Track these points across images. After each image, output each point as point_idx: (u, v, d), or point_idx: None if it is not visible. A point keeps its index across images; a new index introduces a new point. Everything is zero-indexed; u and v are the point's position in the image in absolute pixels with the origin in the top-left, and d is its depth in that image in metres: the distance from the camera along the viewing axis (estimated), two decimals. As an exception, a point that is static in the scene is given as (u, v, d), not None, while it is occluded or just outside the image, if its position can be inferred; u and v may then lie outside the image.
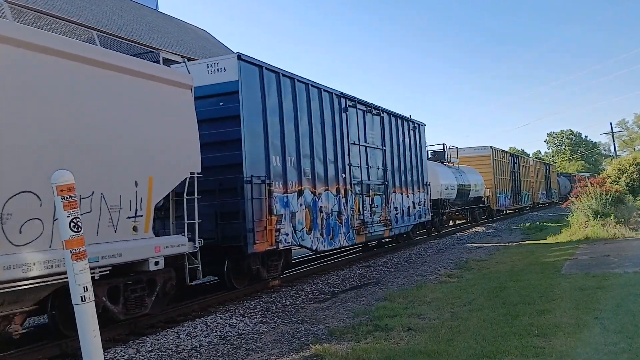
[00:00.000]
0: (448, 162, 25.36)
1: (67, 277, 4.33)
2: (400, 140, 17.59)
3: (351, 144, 14.15)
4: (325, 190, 12.55)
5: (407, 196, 17.77)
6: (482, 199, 28.07)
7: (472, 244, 18.56)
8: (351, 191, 13.85)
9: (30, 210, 5.81)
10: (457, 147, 26.94)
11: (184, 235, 8.10)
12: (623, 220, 18.02)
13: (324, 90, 12.97)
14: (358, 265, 14.11)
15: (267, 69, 10.77)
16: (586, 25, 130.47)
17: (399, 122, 17.65)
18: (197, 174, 8.40)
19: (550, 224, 25.30)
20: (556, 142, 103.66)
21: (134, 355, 6.53)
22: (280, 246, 10.55)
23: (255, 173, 10.01)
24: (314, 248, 11.90)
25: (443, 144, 24.95)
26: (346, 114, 13.99)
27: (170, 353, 6.63)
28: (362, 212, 14.31)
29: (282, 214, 10.66)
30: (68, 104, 6.41)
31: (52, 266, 5.89)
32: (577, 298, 7.82)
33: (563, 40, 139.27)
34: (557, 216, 30.77)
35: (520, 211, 38.21)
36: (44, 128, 6.08)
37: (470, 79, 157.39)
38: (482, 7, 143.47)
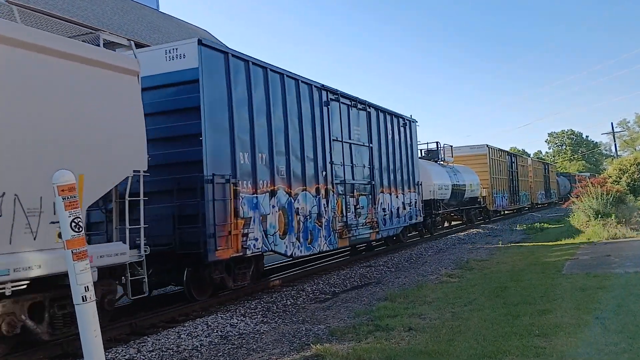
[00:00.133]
0: (442, 161, 24.32)
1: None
2: (389, 137, 16.54)
3: (333, 140, 13.12)
4: (302, 191, 11.52)
5: (397, 196, 16.73)
6: (478, 200, 27.00)
7: (473, 244, 18.24)
8: (333, 191, 12.82)
9: None
10: (451, 146, 25.88)
11: (127, 243, 7.07)
12: (624, 220, 17.93)
13: (302, 82, 11.93)
14: (359, 265, 13.95)
15: (234, 56, 9.73)
16: (587, 25, 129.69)
17: (388, 118, 16.60)
18: (143, 172, 7.38)
19: (550, 225, 24.66)
20: (557, 142, 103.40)
21: (135, 355, 6.49)
22: (248, 252, 9.52)
23: (218, 171, 8.98)
24: (289, 254, 10.87)
25: (437, 142, 23.92)
26: (328, 108, 12.95)
27: (171, 353, 6.59)
28: (345, 214, 13.27)
29: (250, 217, 9.63)
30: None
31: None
32: (578, 298, 7.77)
33: (564, 41, 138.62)
34: (557, 217, 30.32)
35: (518, 212, 37.18)
36: None
37: (471, 79, 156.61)
38: (482, 8, 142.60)
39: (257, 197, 9.89)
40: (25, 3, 14.52)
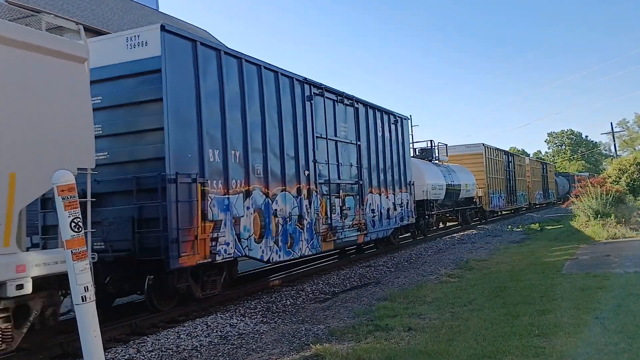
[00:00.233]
0: (437, 161, 23.57)
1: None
2: (379, 134, 15.75)
3: (317, 137, 12.34)
4: (282, 191, 10.73)
5: (387, 197, 15.95)
6: (474, 200, 26.20)
7: (472, 244, 18.08)
8: (316, 191, 12.04)
9: None
10: (446, 145, 25.10)
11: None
12: (623, 220, 17.95)
13: (282, 75, 11.14)
14: (358, 265, 13.89)
15: (203, 44, 8.95)
16: (586, 25, 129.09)
17: (378, 114, 15.81)
18: (91, 170, 6.59)
19: (549, 226, 24.15)
20: (556, 142, 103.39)
21: (134, 355, 6.47)
22: (218, 258, 8.73)
23: (183, 170, 8.20)
24: (265, 259, 10.07)
25: (431, 141, 23.13)
26: (311, 103, 12.17)
27: (171, 353, 6.57)
28: (329, 216, 12.48)
29: (220, 220, 8.84)
30: None
31: None
32: (578, 298, 7.75)
33: (564, 41, 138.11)
34: (557, 217, 29.87)
35: (516, 212, 36.41)
36: None
37: (471, 79, 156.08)
38: (482, 8, 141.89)
39: (229, 197, 9.11)
40: (25, 3, 14.16)
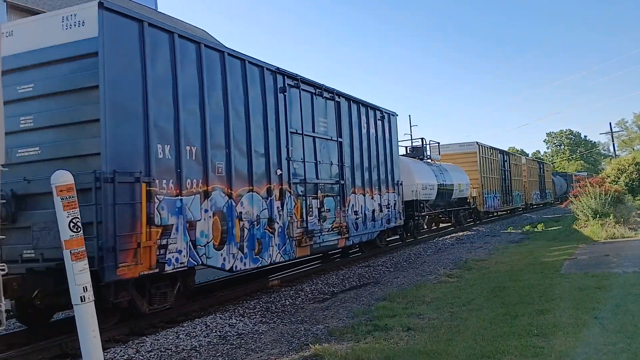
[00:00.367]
0: (429, 159, 22.54)
1: None
2: (364, 131, 14.71)
3: (292, 133, 11.30)
4: (248, 192, 9.69)
5: (372, 198, 14.92)
6: (468, 200, 25.17)
7: (471, 244, 17.91)
8: (290, 192, 11.00)
9: None
10: (438, 143, 24.06)
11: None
12: (622, 220, 17.87)
13: (250, 63, 10.09)
14: (357, 265, 13.82)
15: (152, 25, 7.88)
16: (586, 25, 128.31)
17: (362, 109, 14.77)
18: (2, 167, 5.56)
19: (548, 226, 23.32)
20: (555, 142, 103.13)
21: (133, 355, 6.45)
22: (168, 268, 7.69)
23: (124, 167, 7.14)
24: (228, 267, 9.02)
25: (422, 139, 22.07)
26: (284, 95, 11.13)
27: (170, 353, 6.56)
28: (305, 218, 11.44)
29: (171, 224, 7.79)
30: None
31: None
32: (577, 298, 7.72)
33: (564, 41, 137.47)
34: (555, 217, 29.16)
35: (511, 213, 35.40)
36: None
37: (471, 79, 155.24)
38: (482, 8, 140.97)
39: (182, 199, 8.06)
40: (24, 3, 13.22)
